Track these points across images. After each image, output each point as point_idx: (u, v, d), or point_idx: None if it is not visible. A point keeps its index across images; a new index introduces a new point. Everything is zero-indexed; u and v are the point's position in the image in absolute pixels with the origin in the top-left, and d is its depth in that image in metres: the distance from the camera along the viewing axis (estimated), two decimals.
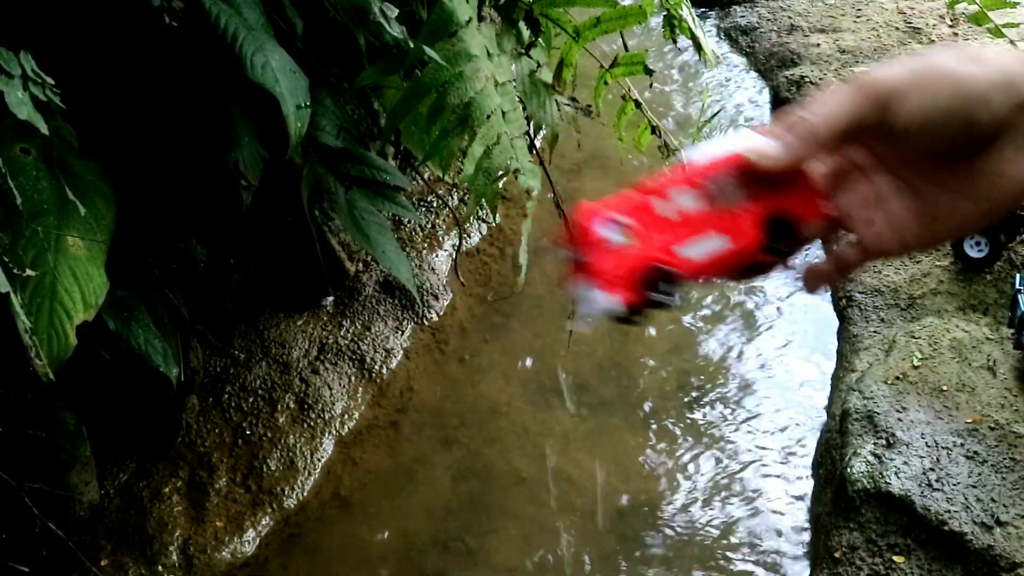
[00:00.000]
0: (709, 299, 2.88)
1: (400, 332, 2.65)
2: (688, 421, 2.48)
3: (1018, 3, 2.68)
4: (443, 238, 2.96)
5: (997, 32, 2.25)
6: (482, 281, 2.91)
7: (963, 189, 0.48)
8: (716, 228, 0.52)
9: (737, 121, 3.75)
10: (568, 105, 2.06)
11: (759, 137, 0.49)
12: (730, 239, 0.52)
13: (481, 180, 1.53)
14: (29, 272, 1.30)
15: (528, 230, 1.66)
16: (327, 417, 2.39)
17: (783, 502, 2.26)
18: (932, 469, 2.00)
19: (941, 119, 0.45)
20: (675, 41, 2.21)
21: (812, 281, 0.57)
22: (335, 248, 2.64)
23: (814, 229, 0.54)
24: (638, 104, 2.17)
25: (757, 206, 0.53)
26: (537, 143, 2.98)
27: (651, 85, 2.82)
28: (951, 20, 3.86)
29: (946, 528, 1.88)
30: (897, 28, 3.93)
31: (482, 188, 1.54)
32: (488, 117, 1.51)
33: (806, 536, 2.17)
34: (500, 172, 1.52)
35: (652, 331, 2.76)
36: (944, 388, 2.21)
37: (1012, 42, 2.38)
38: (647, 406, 2.52)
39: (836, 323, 2.74)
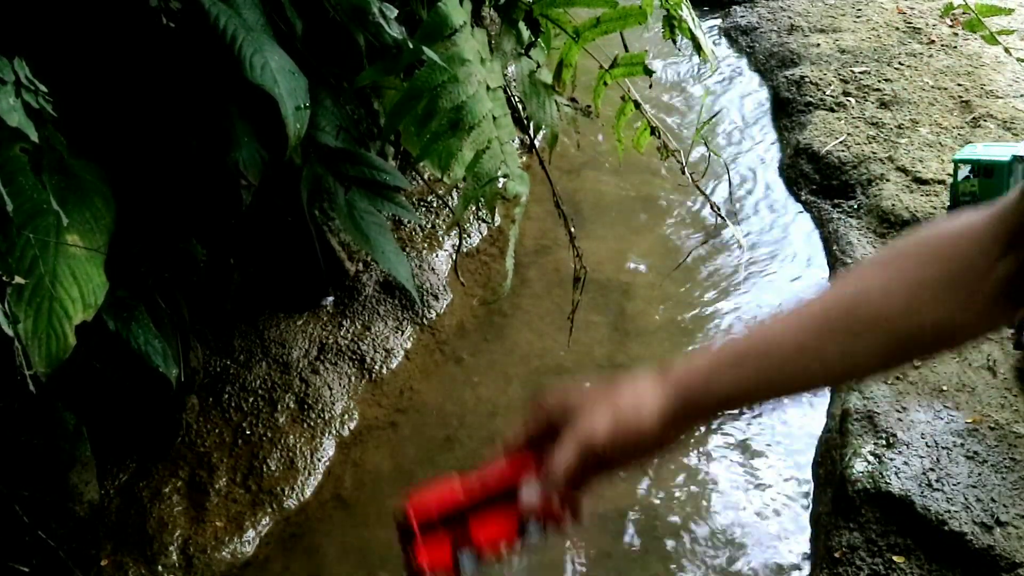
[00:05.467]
0: (709, 301, 2.88)
1: (400, 332, 2.65)
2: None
3: (1013, 10, 2.68)
4: (443, 238, 2.96)
5: (991, 39, 2.26)
6: (482, 281, 2.91)
7: (643, 455, 0.79)
8: (497, 523, 0.81)
9: (737, 120, 3.75)
10: (568, 106, 2.06)
11: (528, 493, 0.80)
12: (503, 533, 0.82)
13: (471, 184, 1.53)
14: (19, 280, 1.31)
15: (516, 236, 1.67)
16: (327, 417, 2.39)
17: (783, 502, 2.26)
18: (932, 469, 2.00)
19: (627, 445, 0.76)
20: (675, 41, 2.22)
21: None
22: (335, 248, 2.64)
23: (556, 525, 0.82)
24: (637, 105, 2.17)
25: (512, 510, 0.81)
26: (537, 143, 2.98)
27: (650, 86, 2.82)
28: (951, 20, 3.86)
29: (946, 528, 1.88)
30: (897, 28, 3.93)
31: (472, 192, 1.55)
32: (479, 122, 1.52)
33: (806, 536, 2.17)
34: (490, 177, 1.53)
35: (653, 332, 2.76)
36: (944, 388, 2.21)
37: (1007, 50, 2.38)
38: None
39: None
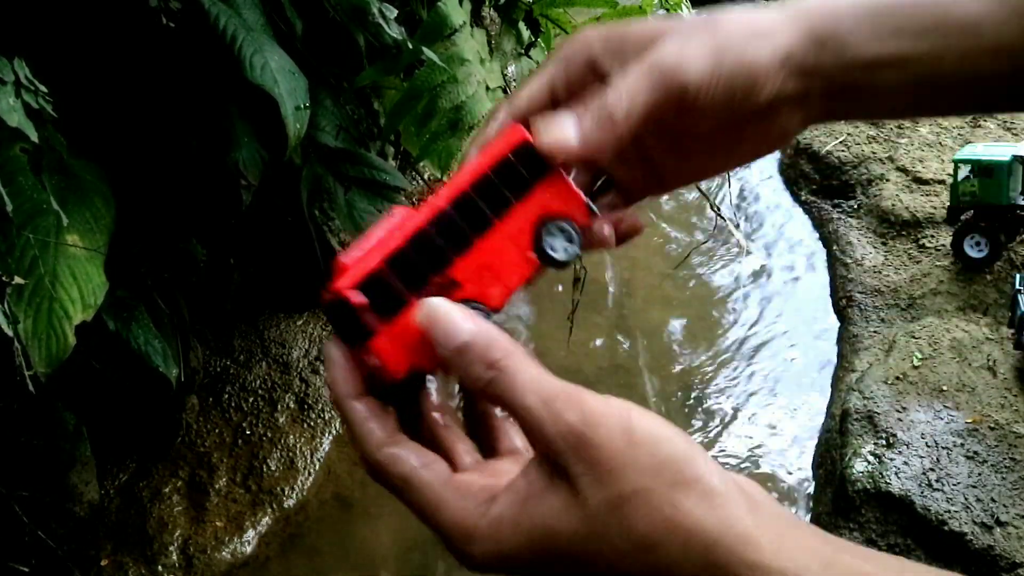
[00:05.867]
0: (710, 300, 2.88)
1: None
2: (689, 421, 2.48)
3: None
4: None
5: None
6: None
7: (730, 148, 0.52)
8: (488, 255, 0.48)
9: None
10: None
11: (559, 124, 0.47)
12: (510, 258, 0.48)
13: None
14: (19, 280, 1.30)
15: None
16: (327, 417, 2.39)
17: (783, 502, 2.26)
18: (932, 469, 2.00)
19: (731, 100, 0.47)
20: None
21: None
22: (335, 248, 2.64)
23: (584, 231, 0.52)
24: None
25: (526, 210, 0.49)
26: None
27: None
28: None
29: (946, 528, 1.88)
30: None
31: None
32: (479, 121, 1.52)
33: None
34: None
35: (653, 332, 2.76)
36: (944, 388, 2.20)
37: None
38: (648, 406, 2.52)
39: (836, 323, 2.74)
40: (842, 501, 2.05)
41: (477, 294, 0.47)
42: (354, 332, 0.44)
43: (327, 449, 2.34)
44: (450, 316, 0.42)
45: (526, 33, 1.94)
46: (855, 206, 3.07)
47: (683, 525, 0.38)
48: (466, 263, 0.46)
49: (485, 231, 0.47)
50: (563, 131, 0.47)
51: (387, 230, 0.45)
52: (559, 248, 0.50)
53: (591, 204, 0.50)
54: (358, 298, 0.43)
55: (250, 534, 2.13)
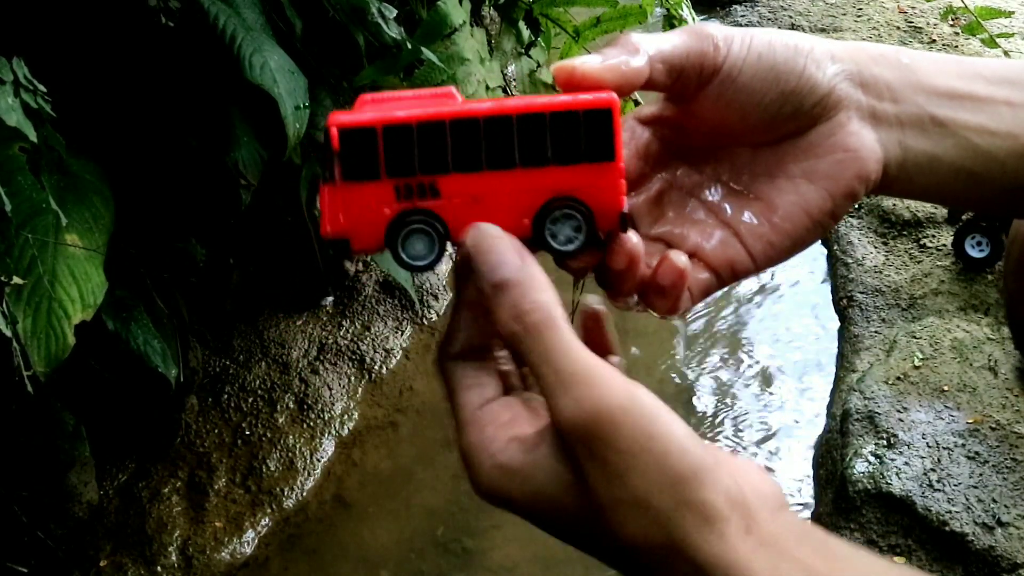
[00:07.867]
0: (709, 300, 2.88)
1: (400, 332, 2.65)
2: (687, 421, 2.47)
3: (1014, 13, 2.68)
4: None
5: (991, 42, 2.25)
6: None
7: (803, 172, 0.47)
8: (487, 191, 0.43)
9: None
10: None
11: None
12: (506, 209, 0.43)
13: None
14: (17, 280, 1.30)
15: None
16: (327, 417, 2.39)
17: None
18: (933, 469, 2.00)
19: (776, 66, 0.44)
20: None
21: (666, 302, 0.50)
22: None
23: (610, 227, 0.45)
24: (637, 104, 2.17)
25: (555, 177, 0.43)
26: None
27: None
28: (952, 19, 3.86)
29: (947, 529, 1.88)
30: (898, 27, 3.92)
31: None
32: None
33: None
34: None
35: (653, 332, 2.76)
36: (945, 388, 2.20)
37: (1007, 53, 2.37)
38: None
39: (836, 323, 2.74)
40: (843, 501, 2.04)
41: (449, 216, 0.43)
42: (324, 167, 0.43)
43: (327, 449, 2.34)
44: (500, 247, 0.40)
45: (526, 32, 1.94)
46: (856, 206, 3.07)
47: (678, 545, 0.38)
48: (461, 182, 0.42)
49: (501, 168, 0.43)
50: (587, 56, 0.43)
51: (422, 99, 0.42)
52: (560, 236, 0.44)
53: (627, 217, 0.45)
54: (336, 141, 0.41)
55: (250, 534, 2.13)
